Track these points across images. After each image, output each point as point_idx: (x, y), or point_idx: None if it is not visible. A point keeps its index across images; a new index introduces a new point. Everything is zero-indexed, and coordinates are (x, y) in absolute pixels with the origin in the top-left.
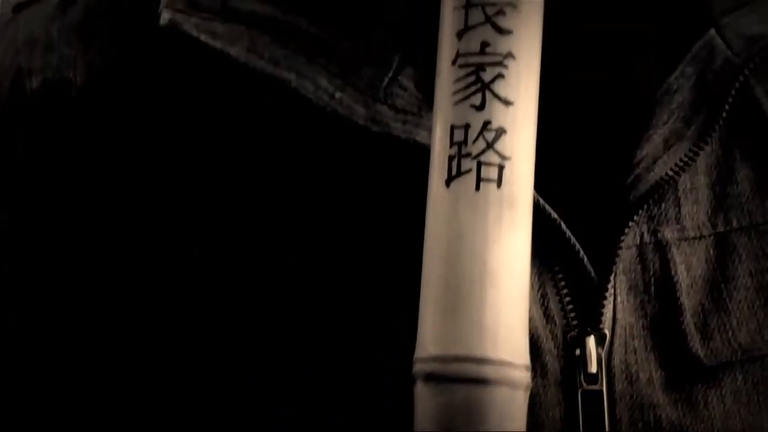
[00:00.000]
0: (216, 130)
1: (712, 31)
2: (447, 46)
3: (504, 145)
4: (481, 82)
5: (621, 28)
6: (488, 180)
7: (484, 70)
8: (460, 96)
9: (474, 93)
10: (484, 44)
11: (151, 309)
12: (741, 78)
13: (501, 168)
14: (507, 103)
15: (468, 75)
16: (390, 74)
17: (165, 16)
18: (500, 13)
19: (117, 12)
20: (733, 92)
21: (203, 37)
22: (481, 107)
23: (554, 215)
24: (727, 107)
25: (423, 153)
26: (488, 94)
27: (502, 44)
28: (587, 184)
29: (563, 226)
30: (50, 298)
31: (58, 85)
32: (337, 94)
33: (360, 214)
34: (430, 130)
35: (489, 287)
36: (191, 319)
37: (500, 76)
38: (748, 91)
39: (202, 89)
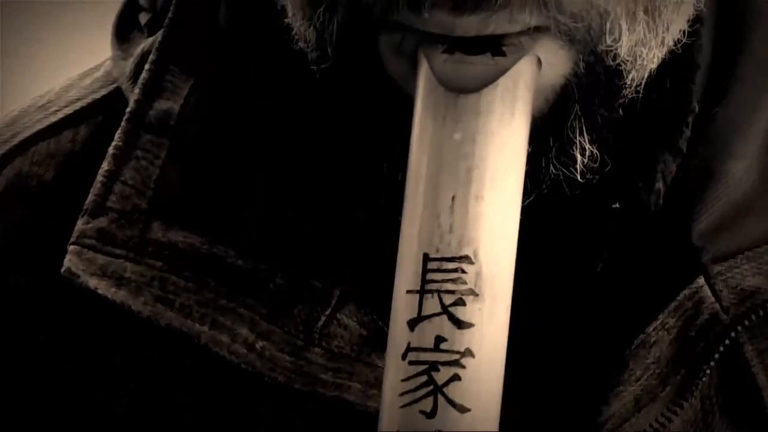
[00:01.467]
0: (111, 376)
1: (701, 280)
2: (397, 337)
3: None
4: (433, 384)
5: (595, 272)
6: None
7: (437, 369)
8: (408, 398)
9: (424, 396)
10: (439, 339)
11: None
12: (727, 340)
13: None
14: (463, 410)
15: (419, 374)
16: (327, 312)
17: (66, 261)
18: (459, 302)
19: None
20: (717, 355)
21: (102, 289)
22: (431, 414)
23: None
24: (708, 370)
25: (352, 413)
26: (441, 400)
27: (460, 340)
28: None
29: None
30: None
31: None
32: (259, 344)
33: None
34: (365, 382)
35: None
36: None
37: (456, 377)
38: (736, 348)
39: (105, 334)
